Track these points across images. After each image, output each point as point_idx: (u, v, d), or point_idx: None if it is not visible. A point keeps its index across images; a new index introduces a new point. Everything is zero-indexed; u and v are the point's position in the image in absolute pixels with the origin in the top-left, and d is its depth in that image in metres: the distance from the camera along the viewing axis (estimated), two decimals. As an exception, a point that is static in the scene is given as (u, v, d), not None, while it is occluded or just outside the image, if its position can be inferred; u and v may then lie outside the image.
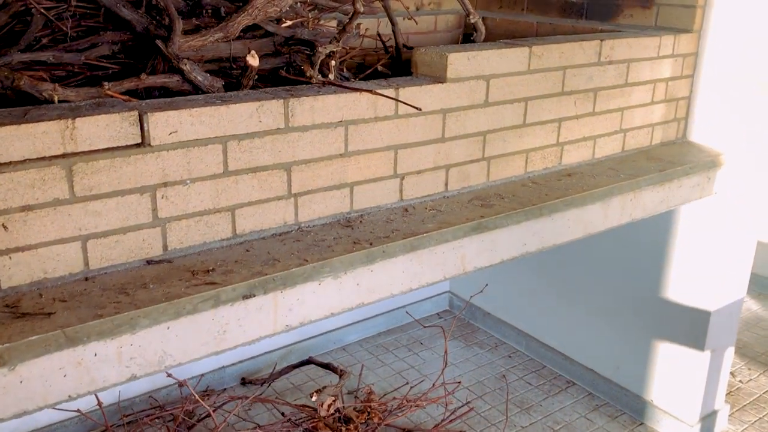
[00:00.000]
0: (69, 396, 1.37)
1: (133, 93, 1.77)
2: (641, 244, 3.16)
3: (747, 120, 2.74)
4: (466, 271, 2.01)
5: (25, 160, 1.42)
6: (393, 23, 2.40)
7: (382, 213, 2.01)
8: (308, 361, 3.65)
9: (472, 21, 2.28)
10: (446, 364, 3.24)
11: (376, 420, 3.09)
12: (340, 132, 1.87)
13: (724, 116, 2.79)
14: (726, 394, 3.39)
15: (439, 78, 2.06)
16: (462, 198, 2.17)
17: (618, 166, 2.56)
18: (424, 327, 4.01)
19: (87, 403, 2.79)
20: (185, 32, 1.82)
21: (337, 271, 1.72)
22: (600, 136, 2.58)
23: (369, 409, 3.11)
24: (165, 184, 1.61)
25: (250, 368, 3.66)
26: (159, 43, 1.74)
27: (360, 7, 1.82)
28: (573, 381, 3.67)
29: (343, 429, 2.96)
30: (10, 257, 1.44)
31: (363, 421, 3.06)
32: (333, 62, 1.97)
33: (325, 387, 3.01)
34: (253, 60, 1.75)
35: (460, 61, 2.06)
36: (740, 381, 3.71)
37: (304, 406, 3.14)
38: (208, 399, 3.30)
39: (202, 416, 3.06)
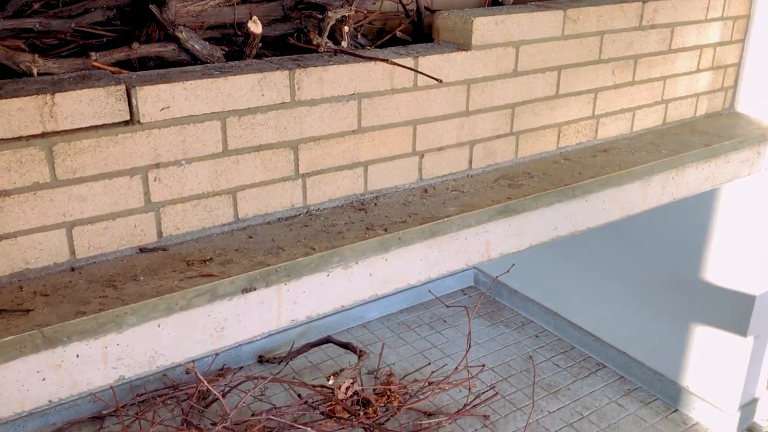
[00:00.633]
0: (49, 401, 1.25)
1: (125, 64, 1.61)
2: (682, 222, 2.95)
3: (803, 89, 2.50)
4: (490, 258, 1.84)
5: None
6: (414, -15, 2.20)
7: (399, 194, 1.85)
8: (327, 340, 3.53)
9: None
10: (470, 345, 3.09)
11: (395, 404, 2.97)
12: (353, 106, 1.70)
13: (778, 85, 2.55)
14: None
15: (464, 45, 1.87)
16: (487, 177, 2.00)
17: (659, 140, 2.35)
18: (447, 306, 3.87)
19: (98, 384, 2.71)
20: None
21: (347, 260, 1.56)
22: (640, 108, 2.37)
23: (389, 392, 2.99)
24: (157, 166, 1.46)
25: (267, 346, 3.57)
26: (153, 8, 1.58)
27: (374, -34, 1.64)
28: (603, 364, 3.50)
29: (362, 412, 2.85)
30: (-14, 247, 1.32)
31: (382, 404, 2.95)
32: (346, 28, 1.78)
33: (342, 369, 2.90)
34: (255, 26, 1.58)
35: (487, 27, 1.87)
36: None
37: (321, 387, 3.03)
38: (223, 378, 3.21)
39: (216, 397, 2.97)
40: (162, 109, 1.43)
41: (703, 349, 3.02)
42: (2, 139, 1.28)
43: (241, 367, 3.46)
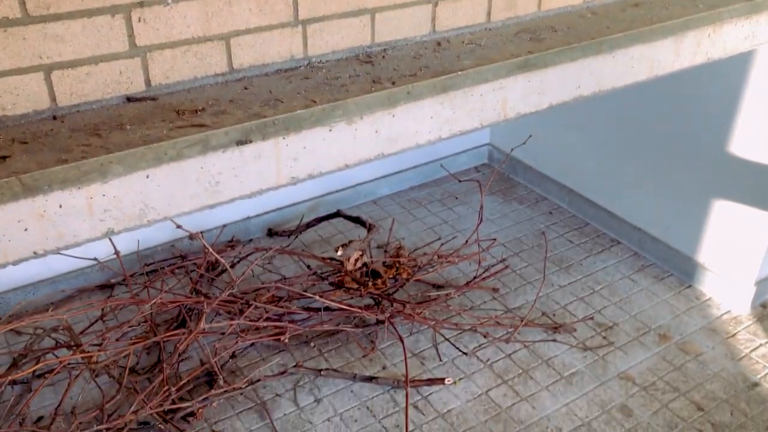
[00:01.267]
0: (34, 252, 1.18)
1: None
2: (709, 91, 2.78)
3: None
4: (507, 118, 1.71)
5: (-42, -32, 1.14)
6: None
7: (409, 47, 1.70)
8: (337, 214, 3.48)
9: None
10: (482, 219, 3.02)
11: (404, 275, 2.94)
12: (358, -58, 1.52)
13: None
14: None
15: None
16: (507, 31, 1.83)
17: (696, -5, 2.14)
18: (460, 181, 3.77)
19: (105, 251, 2.69)
20: None
21: (351, 114, 1.44)
22: (677, -42, 2.14)
23: (398, 265, 2.96)
24: (141, 4, 1.32)
25: (276, 219, 3.52)
26: None
27: None
28: (618, 240, 3.44)
29: (370, 283, 2.83)
30: (-43, 90, 1.21)
31: (391, 276, 2.92)
32: None
33: (351, 241, 2.85)
34: None
35: None
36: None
37: (330, 259, 3.01)
38: (233, 249, 3.19)
39: (225, 267, 2.95)
40: (142, -63, 1.27)
41: (721, 224, 2.93)
42: (-38, -34, 1.14)
43: (251, 240, 3.44)
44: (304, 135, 1.40)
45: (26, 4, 1.21)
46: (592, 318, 2.93)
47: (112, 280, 3.00)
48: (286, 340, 2.60)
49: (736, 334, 2.86)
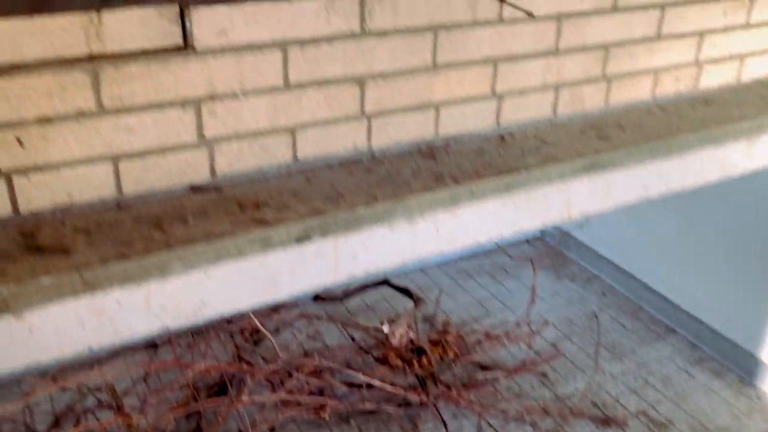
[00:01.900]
0: (89, 347, 1.17)
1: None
2: (779, 185, 2.68)
3: None
4: (570, 218, 1.67)
5: (41, 63, 1.17)
6: None
7: (473, 141, 1.67)
8: (385, 282, 3.44)
9: None
10: (534, 300, 2.94)
11: (451, 355, 2.87)
12: (428, 38, 1.52)
13: None
14: None
15: (558, -26, 1.64)
16: (573, 126, 1.80)
17: (770, 92, 2.08)
18: (511, 258, 3.71)
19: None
20: None
21: (412, 212, 1.42)
22: (751, 55, 2.09)
23: (444, 343, 2.89)
24: (212, 98, 1.33)
25: (323, 285, 3.50)
26: None
27: None
28: (674, 328, 3.30)
29: (416, 361, 2.76)
30: (28, 177, 1.23)
31: (437, 354, 2.85)
32: (426, -50, 1.58)
33: (398, 316, 2.80)
34: (325, -56, 1.40)
35: (587, -47, 1.64)
36: None
37: (376, 330, 2.96)
38: (277, 314, 3.17)
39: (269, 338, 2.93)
40: (219, 34, 1.29)
41: (788, 322, 2.79)
42: (45, 61, 1.17)
43: (296, 304, 3.42)
44: (364, 233, 1.38)
45: (101, 98, 1.23)
46: (645, 413, 2.80)
47: (157, 340, 3.00)
48: (327, 417, 2.54)
49: (802, 441, 2.69)
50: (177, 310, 1.22)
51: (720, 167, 1.88)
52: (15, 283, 1.08)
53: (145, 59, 1.24)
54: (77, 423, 2.39)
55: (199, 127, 1.35)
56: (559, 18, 1.67)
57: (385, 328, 2.70)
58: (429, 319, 3.29)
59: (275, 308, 3.29)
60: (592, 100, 1.84)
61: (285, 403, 2.58)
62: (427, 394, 2.61)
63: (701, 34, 1.95)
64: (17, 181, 1.22)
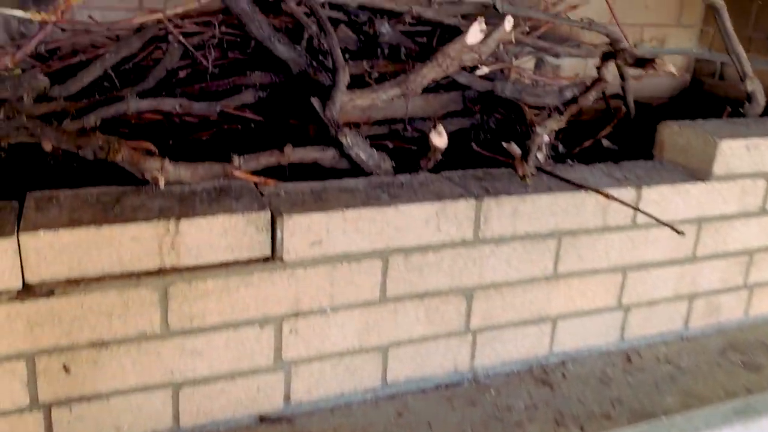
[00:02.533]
0: None
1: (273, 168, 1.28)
2: None
3: None
4: (712, 468, 1.35)
5: (103, 277, 0.98)
6: (623, 78, 1.77)
7: (593, 360, 1.40)
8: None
9: (749, 89, 1.58)
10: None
11: None
12: (550, 245, 1.29)
13: None
14: None
15: (700, 173, 1.41)
16: (708, 343, 1.51)
17: None
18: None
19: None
20: (352, 81, 1.31)
21: (528, 469, 1.14)
22: None
23: None
24: (296, 314, 1.12)
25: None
26: (315, 102, 1.25)
27: (608, 76, 1.23)
28: None
29: None
30: (70, 409, 1.02)
31: None
32: (546, 138, 1.38)
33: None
34: (439, 139, 1.21)
35: (735, 152, 1.41)
36: None
37: None
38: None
39: None
40: (312, 244, 1.09)
41: None
42: (108, 276, 0.98)
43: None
44: (468, 495, 1.10)
45: (168, 317, 1.03)
46: None
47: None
48: None
49: None
50: None
51: None
52: None
53: (225, 273, 1.04)
54: None
55: (278, 348, 1.12)
56: (699, 222, 1.43)
57: None
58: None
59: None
60: (729, 310, 1.57)
61: None
62: None
63: None
64: (56, 414, 1.01)
